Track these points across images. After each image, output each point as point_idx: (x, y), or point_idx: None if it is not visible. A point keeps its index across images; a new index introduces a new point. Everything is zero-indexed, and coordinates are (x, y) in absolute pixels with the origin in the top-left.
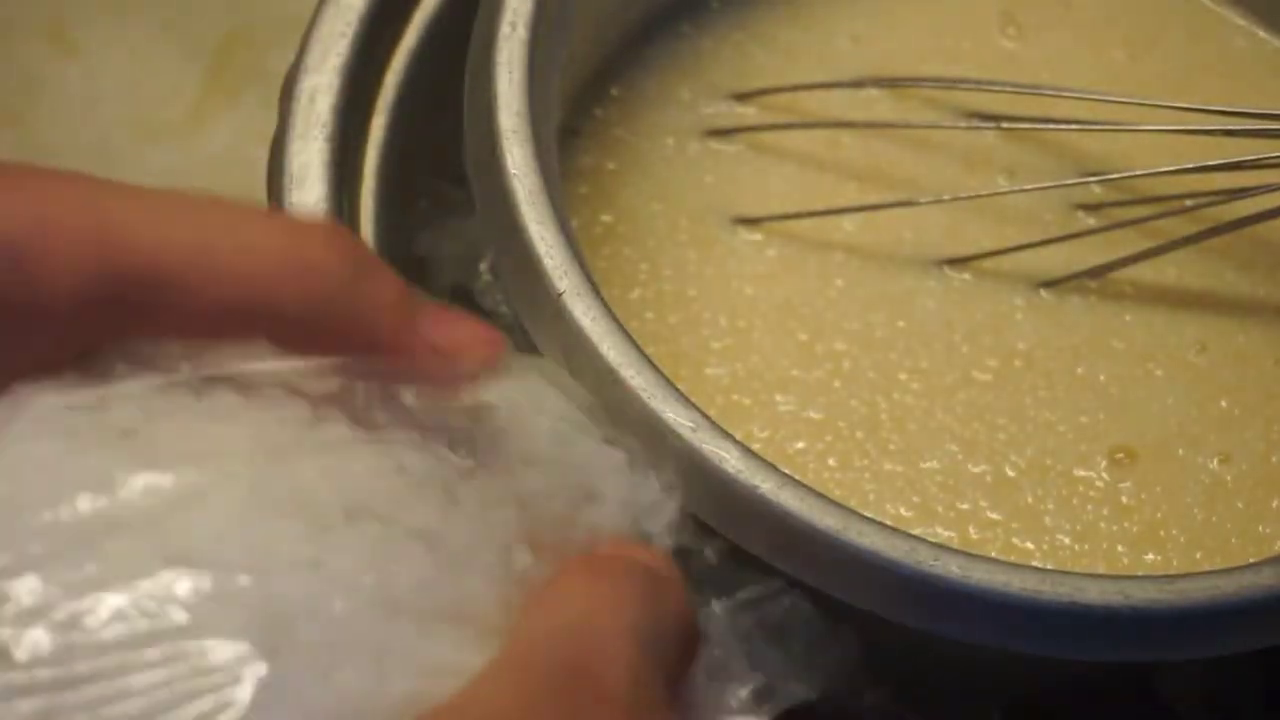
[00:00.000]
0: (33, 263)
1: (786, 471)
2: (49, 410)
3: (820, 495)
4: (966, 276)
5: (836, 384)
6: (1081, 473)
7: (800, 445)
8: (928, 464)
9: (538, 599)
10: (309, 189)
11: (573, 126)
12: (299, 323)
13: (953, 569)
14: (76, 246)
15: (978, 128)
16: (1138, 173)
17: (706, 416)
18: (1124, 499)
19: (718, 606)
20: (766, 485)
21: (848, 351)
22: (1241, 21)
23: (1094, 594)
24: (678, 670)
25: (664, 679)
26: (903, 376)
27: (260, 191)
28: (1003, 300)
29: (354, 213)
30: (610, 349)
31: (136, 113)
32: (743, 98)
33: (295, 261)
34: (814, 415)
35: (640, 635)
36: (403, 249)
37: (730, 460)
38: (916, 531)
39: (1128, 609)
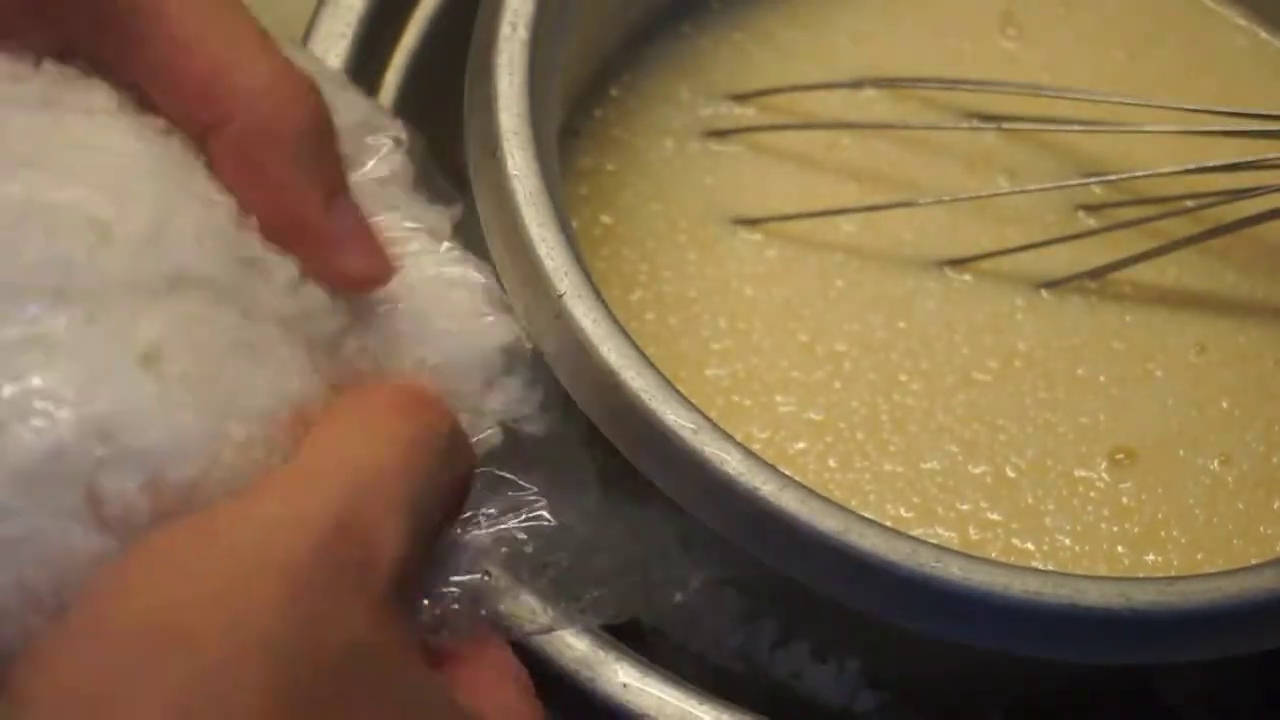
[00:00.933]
0: None
1: (787, 473)
2: None
3: (822, 497)
4: (967, 277)
5: (837, 385)
6: (1082, 473)
7: (801, 446)
8: (928, 464)
9: (337, 414)
10: None
11: (572, 127)
12: (239, 138)
13: (954, 571)
14: None
15: (978, 128)
16: (1138, 174)
17: (708, 418)
18: (1124, 499)
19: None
20: (768, 487)
21: (848, 352)
22: (1242, 21)
23: (1095, 596)
24: (437, 535)
25: (425, 547)
26: (903, 377)
27: None
28: (1003, 301)
29: None
30: (611, 351)
31: None
32: (742, 98)
33: (265, 82)
34: (814, 416)
35: (418, 507)
36: None
37: (732, 462)
38: (917, 532)
39: (1128, 611)
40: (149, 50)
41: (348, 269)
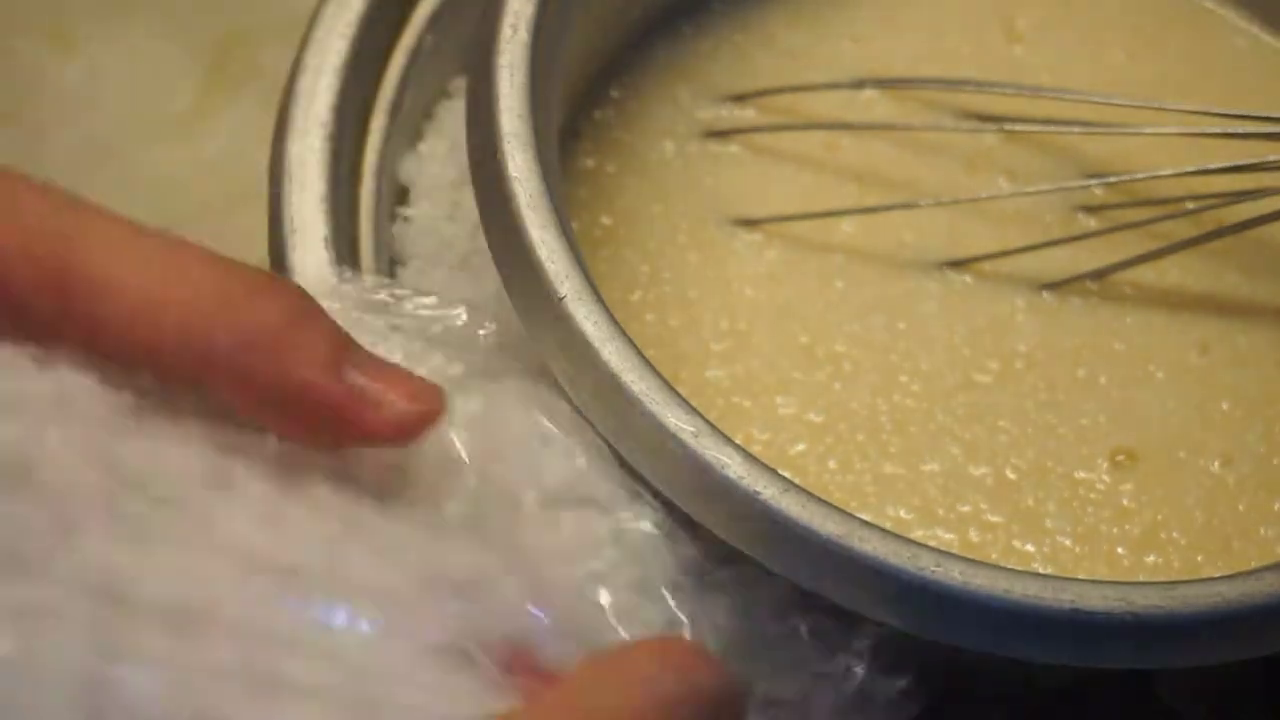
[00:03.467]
0: None
1: (788, 476)
2: None
3: (822, 501)
4: (967, 278)
5: (837, 386)
6: (1082, 475)
7: (801, 448)
8: (928, 466)
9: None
10: (309, 189)
11: (573, 128)
12: (230, 362)
13: (954, 575)
14: (34, 244)
15: (978, 130)
16: (1139, 175)
17: (708, 422)
18: (1125, 501)
19: None
20: (769, 491)
21: (848, 354)
22: (1243, 23)
23: (1096, 601)
24: None
25: None
26: (903, 379)
27: (261, 191)
28: (1003, 302)
29: (353, 212)
30: (611, 354)
31: (136, 113)
32: (743, 99)
33: (231, 300)
34: (814, 418)
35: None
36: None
37: (732, 466)
38: (917, 534)
39: (1130, 616)
40: (108, 336)
41: (392, 416)
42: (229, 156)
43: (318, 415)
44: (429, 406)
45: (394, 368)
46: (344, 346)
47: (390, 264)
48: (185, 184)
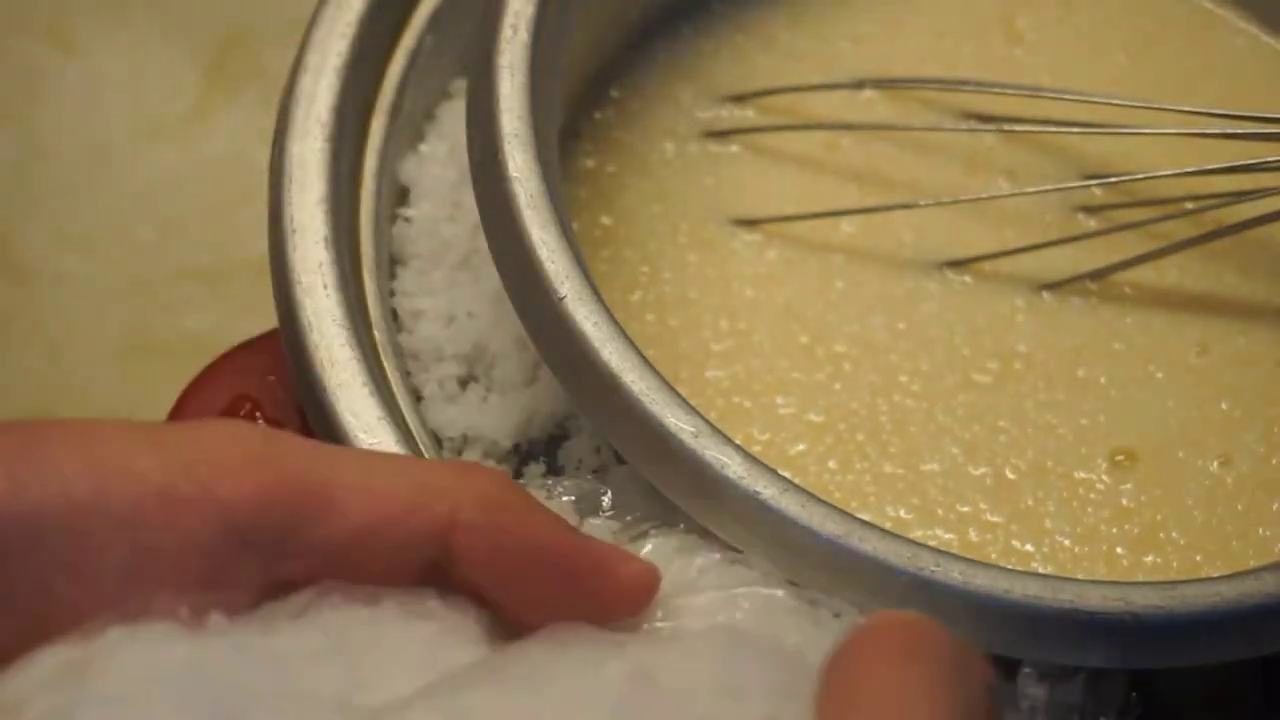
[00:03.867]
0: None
1: (788, 476)
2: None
3: (822, 501)
4: (967, 279)
5: (837, 386)
6: (1082, 475)
7: (801, 448)
8: (928, 466)
9: (843, 693)
10: (309, 189)
11: (573, 129)
12: (477, 522)
13: (954, 575)
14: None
15: (978, 130)
16: (1138, 176)
17: (708, 422)
18: (1124, 501)
19: None
20: (769, 491)
21: (848, 354)
22: (1242, 23)
23: (1095, 601)
24: None
25: None
26: (903, 379)
27: (261, 191)
28: (1003, 302)
29: (353, 213)
30: (611, 354)
31: (136, 113)
32: (742, 99)
33: (463, 471)
34: (814, 418)
35: None
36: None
37: (732, 466)
38: (917, 534)
39: (1129, 616)
40: (352, 526)
41: (626, 579)
42: (229, 157)
43: (571, 574)
44: (654, 567)
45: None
46: (561, 515)
47: (390, 264)
48: (185, 184)
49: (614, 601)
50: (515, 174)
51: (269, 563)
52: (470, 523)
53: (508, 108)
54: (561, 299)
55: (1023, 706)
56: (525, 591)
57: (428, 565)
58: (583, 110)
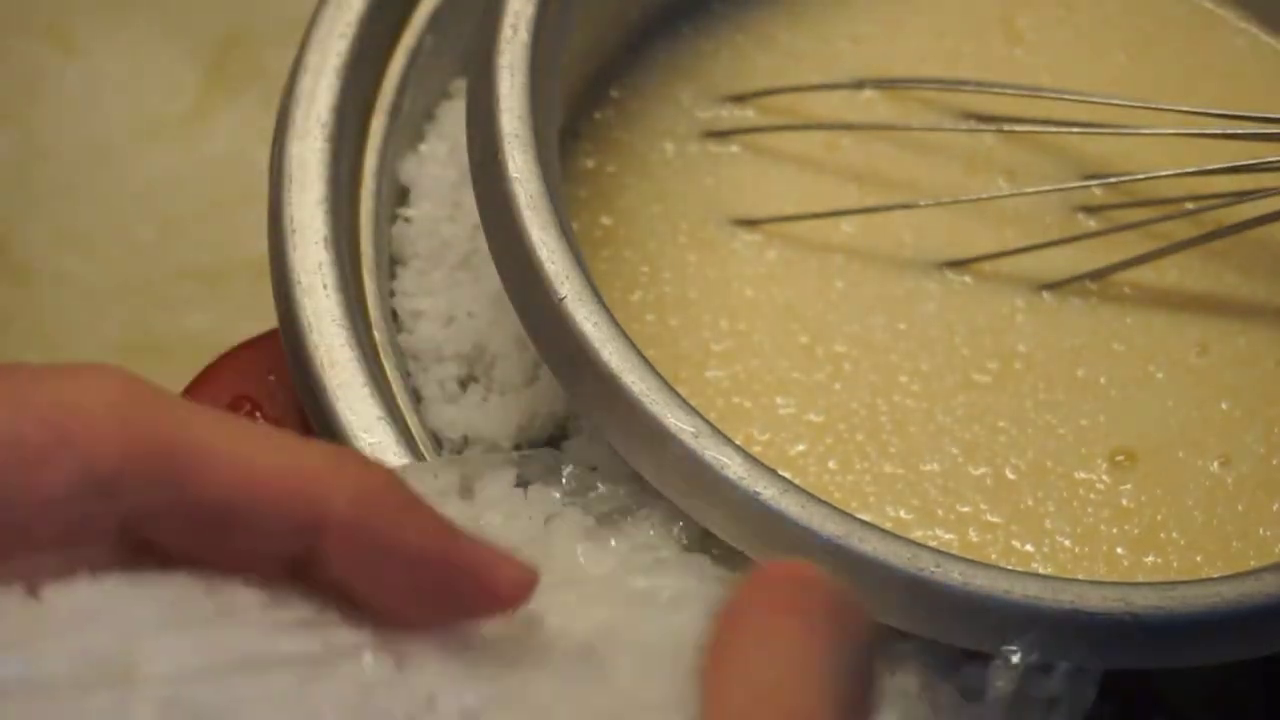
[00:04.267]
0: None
1: (788, 477)
2: None
3: (822, 502)
4: (967, 279)
5: (837, 386)
6: (1082, 475)
7: (801, 448)
8: (928, 466)
9: (722, 648)
10: (309, 189)
11: (573, 129)
12: (347, 520)
13: (954, 576)
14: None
15: (978, 130)
16: (1138, 176)
17: (708, 422)
18: (1124, 501)
19: None
20: (768, 492)
21: (848, 354)
22: (1242, 23)
23: (1095, 601)
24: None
25: None
26: (903, 379)
27: (261, 191)
28: (1003, 303)
29: (354, 213)
30: (611, 355)
31: (136, 113)
32: (742, 99)
33: (342, 461)
34: (814, 418)
35: (839, 684)
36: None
37: (732, 467)
38: (917, 534)
39: (1129, 616)
40: (214, 499)
41: (502, 583)
42: (229, 157)
43: (443, 578)
44: (531, 568)
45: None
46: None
47: (390, 264)
48: (185, 184)
49: (486, 605)
50: (515, 174)
51: (131, 522)
52: (342, 520)
53: (508, 108)
54: (561, 299)
55: (988, 697)
56: (395, 593)
57: (294, 560)
58: (583, 110)
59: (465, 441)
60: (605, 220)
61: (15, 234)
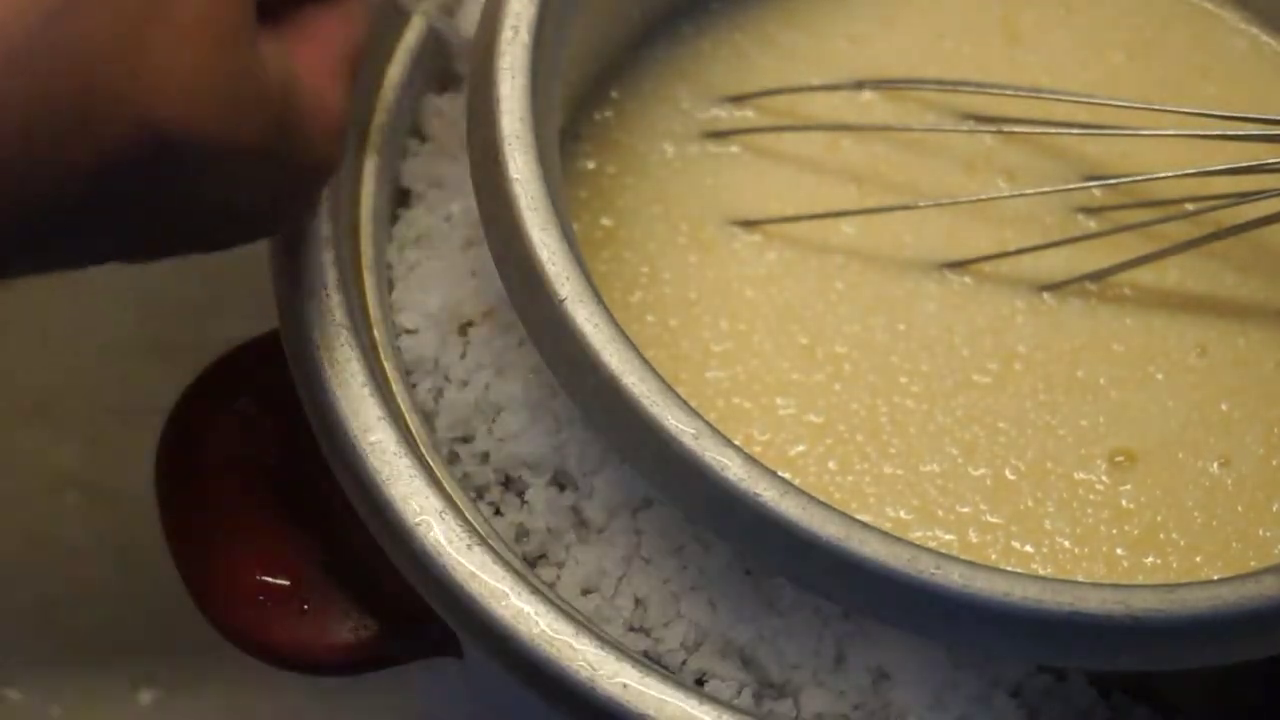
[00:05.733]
0: None
1: (788, 479)
2: None
3: (822, 503)
4: (966, 280)
5: (837, 387)
6: (1081, 476)
7: (800, 449)
8: (928, 467)
9: None
10: None
11: (573, 130)
12: None
13: (954, 578)
14: None
15: (978, 131)
16: (1138, 177)
17: (708, 424)
18: (1124, 502)
19: None
20: (769, 494)
21: (848, 355)
22: (1242, 24)
23: (1095, 603)
24: None
25: None
26: (903, 380)
27: None
28: (1003, 304)
29: (354, 213)
30: (612, 356)
31: None
32: (742, 100)
33: None
34: (814, 419)
35: None
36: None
37: (732, 468)
38: (916, 535)
39: (1129, 619)
40: None
41: None
42: None
43: None
44: None
45: None
46: None
47: (388, 266)
48: None
49: None
50: (515, 175)
51: None
52: None
53: (508, 109)
54: (562, 300)
55: None
56: None
57: None
58: (583, 111)
59: (465, 441)
60: (605, 221)
61: None
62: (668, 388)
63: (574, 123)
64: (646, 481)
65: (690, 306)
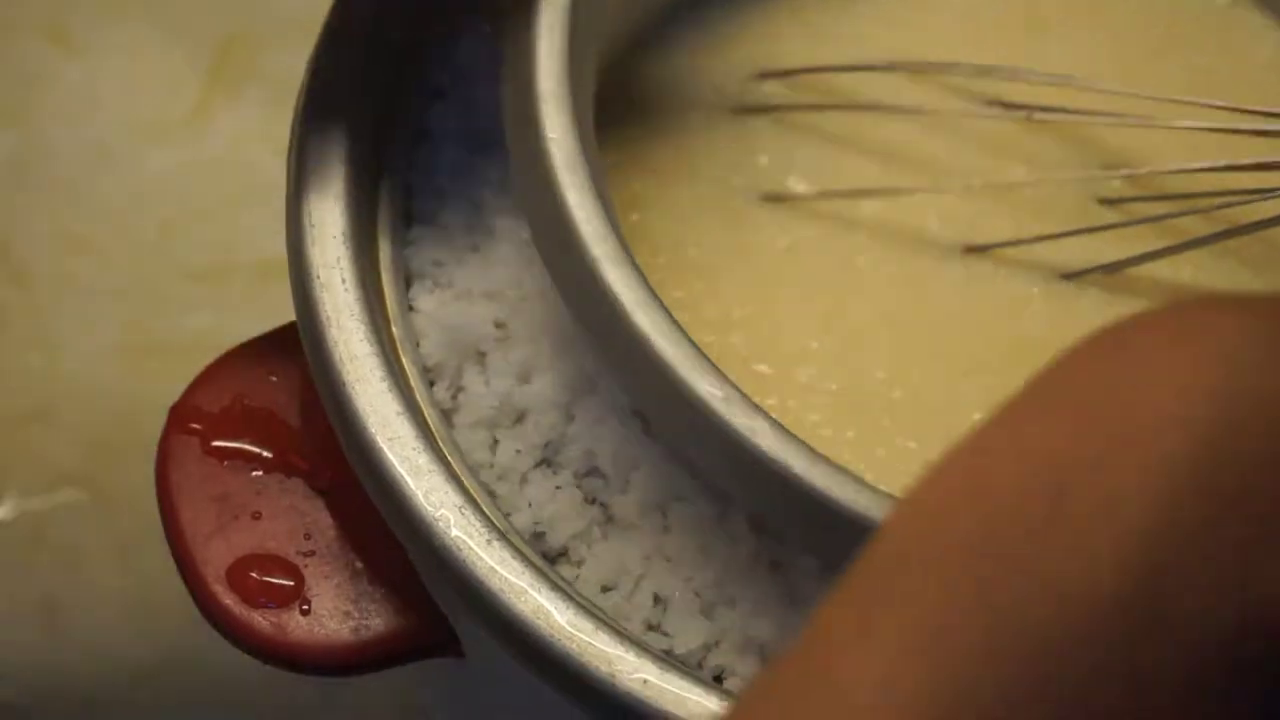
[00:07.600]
0: None
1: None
2: None
3: (851, 474)
4: (986, 264)
5: (855, 359)
6: None
7: (816, 417)
8: (942, 443)
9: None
10: (328, 185)
11: (603, 97)
12: None
13: None
14: None
15: (1006, 116)
16: (1161, 169)
17: (738, 389)
18: None
19: None
20: (798, 463)
21: (868, 328)
22: (1267, 24)
23: None
24: None
25: None
26: (922, 356)
27: (261, 191)
28: (1020, 289)
29: (371, 209)
30: (643, 317)
31: (136, 113)
32: (771, 76)
33: None
34: (832, 387)
35: None
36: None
37: (762, 435)
38: None
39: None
40: None
41: None
42: (229, 157)
43: None
44: None
45: None
46: None
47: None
48: (186, 185)
49: None
50: (552, 134)
51: None
52: None
53: (546, 69)
54: (595, 260)
55: None
56: None
57: None
58: (613, 80)
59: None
60: (634, 186)
61: (15, 234)
62: (699, 352)
63: (604, 90)
64: (674, 447)
65: (714, 273)
